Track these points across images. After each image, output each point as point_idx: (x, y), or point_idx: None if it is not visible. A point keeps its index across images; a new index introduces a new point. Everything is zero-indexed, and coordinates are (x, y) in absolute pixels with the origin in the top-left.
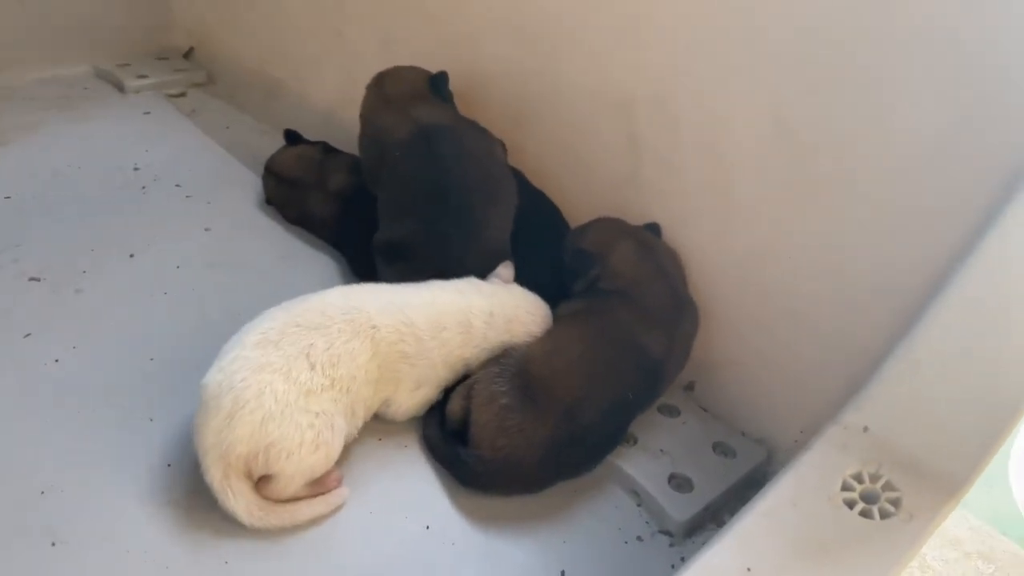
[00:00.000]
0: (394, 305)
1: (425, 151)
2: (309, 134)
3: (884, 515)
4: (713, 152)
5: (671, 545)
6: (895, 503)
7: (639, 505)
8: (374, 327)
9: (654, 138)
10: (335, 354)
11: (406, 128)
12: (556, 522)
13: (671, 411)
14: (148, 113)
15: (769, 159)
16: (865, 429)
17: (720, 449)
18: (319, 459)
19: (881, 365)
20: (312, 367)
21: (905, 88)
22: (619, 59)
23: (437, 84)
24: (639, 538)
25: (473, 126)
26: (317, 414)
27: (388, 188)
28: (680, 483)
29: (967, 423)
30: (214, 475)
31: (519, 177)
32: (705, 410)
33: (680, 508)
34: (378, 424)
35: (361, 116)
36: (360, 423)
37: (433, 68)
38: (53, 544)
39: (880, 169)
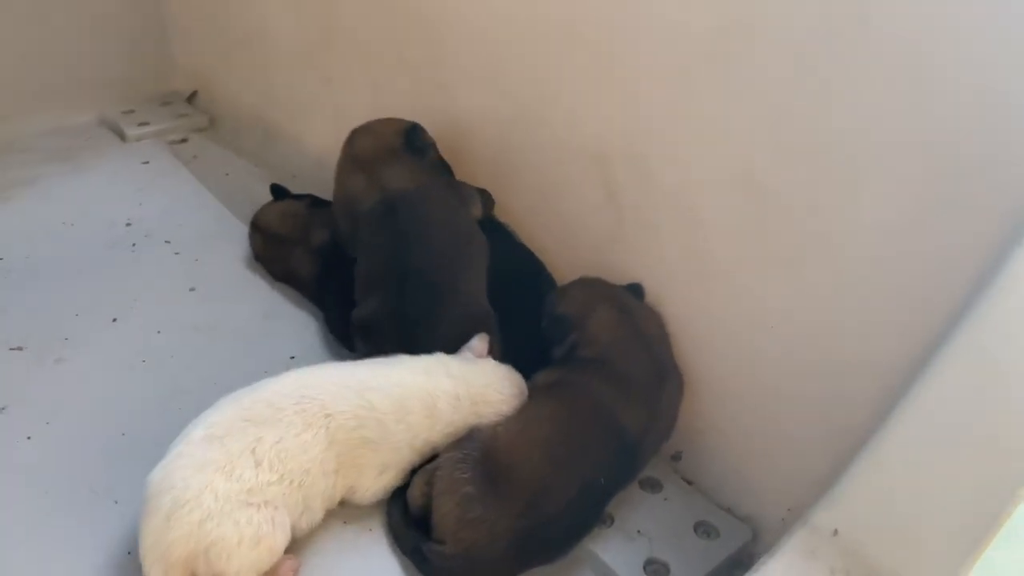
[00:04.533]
0: (351, 389)
1: (388, 223)
2: (304, 178)
3: None
4: (689, 212)
5: None
6: None
7: None
8: (328, 416)
9: (631, 196)
10: (284, 448)
11: (372, 197)
12: None
13: (653, 485)
14: (147, 163)
15: (744, 222)
16: (835, 532)
17: (702, 529)
18: (262, 554)
19: (852, 460)
20: (258, 463)
21: (884, 150)
22: (594, 113)
23: (411, 138)
24: None
25: (444, 185)
26: (258, 507)
27: (360, 258)
28: (657, 569)
29: (944, 528)
30: None
31: (504, 232)
32: (690, 483)
33: None
34: (343, 507)
35: (335, 178)
36: (319, 516)
37: (416, 117)
38: None
39: (860, 235)
